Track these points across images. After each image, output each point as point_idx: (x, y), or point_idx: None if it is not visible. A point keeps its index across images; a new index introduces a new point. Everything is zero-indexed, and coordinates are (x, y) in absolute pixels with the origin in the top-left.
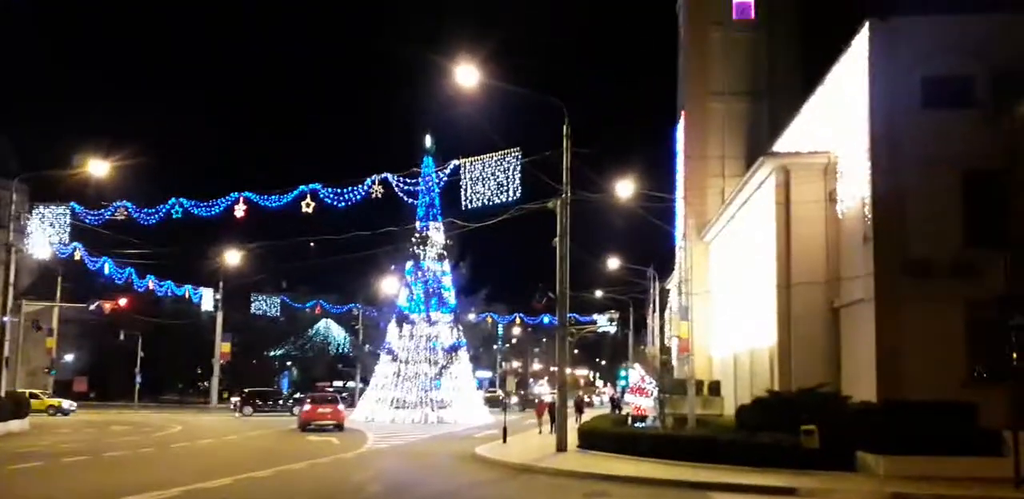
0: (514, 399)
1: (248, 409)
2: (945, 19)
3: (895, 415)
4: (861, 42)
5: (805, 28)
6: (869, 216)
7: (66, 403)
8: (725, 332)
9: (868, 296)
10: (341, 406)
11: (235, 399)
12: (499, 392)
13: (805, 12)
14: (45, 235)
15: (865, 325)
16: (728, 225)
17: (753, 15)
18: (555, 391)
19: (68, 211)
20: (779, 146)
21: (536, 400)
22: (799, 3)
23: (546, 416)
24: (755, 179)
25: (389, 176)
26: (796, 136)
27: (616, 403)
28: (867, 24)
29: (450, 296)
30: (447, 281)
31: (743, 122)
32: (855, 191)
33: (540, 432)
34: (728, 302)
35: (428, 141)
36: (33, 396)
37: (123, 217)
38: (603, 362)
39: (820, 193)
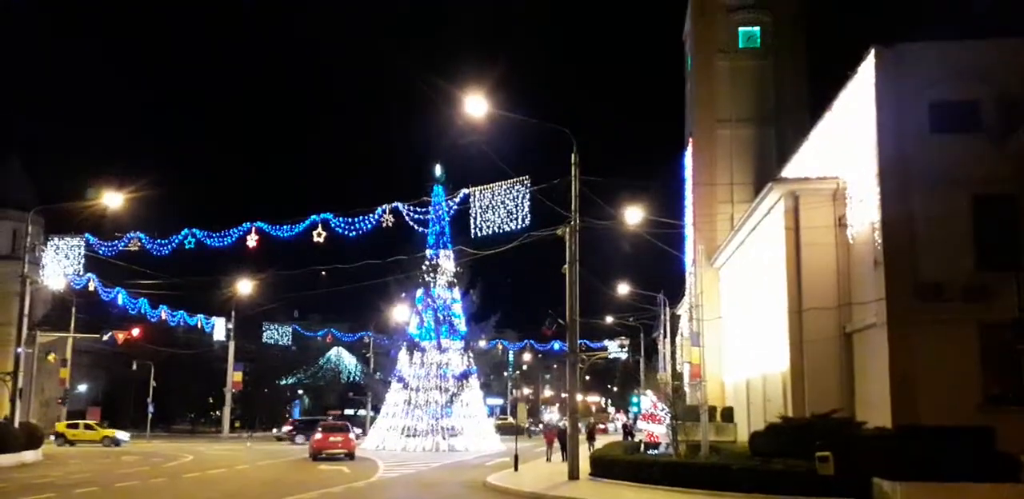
0: (539, 426)
1: (300, 438)
2: (950, 45)
3: (911, 440)
4: (867, 69)
5: (811, 55)
6: (879, 240)
7: (120, 434)
8: (737, 358)
9: (880, 320)
10: (352, 435)
11: (287, 428)
12: (511, 419)
13: (811, 40)
14: (60, 266)
15: (878, 349)
16: (738, 251)
17: (759, 43)
18: (566, 418)
19: (82, 242)
20: (787, 172)
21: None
22: (805, 31)
23: (556, 444)
24: (764, 205)
25: (400, 205)
26: (804, 162)
27: (628, 430)
28: (873, 51)
29: (460, 323)
30: (457, 308)
31: (750, 148)
32: (864, 216)
33: (548, 460)
34: (739, 327)
35: (438, 170)
36: (88, 427)
37: (136, 248)
38: (615, 388)
39: (829, 218)
